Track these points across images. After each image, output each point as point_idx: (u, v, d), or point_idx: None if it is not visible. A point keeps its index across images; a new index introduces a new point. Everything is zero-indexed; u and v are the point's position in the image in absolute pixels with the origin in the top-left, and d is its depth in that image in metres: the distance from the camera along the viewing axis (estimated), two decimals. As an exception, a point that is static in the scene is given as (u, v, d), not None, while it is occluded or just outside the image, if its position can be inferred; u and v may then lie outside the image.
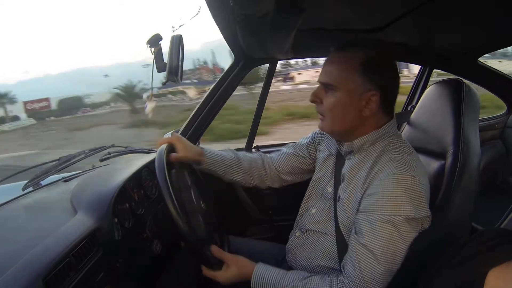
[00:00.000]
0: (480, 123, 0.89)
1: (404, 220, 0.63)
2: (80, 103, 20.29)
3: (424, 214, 0.65)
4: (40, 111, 18.63)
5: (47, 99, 19.43)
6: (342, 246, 0.73)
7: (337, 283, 0.66)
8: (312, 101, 0.76)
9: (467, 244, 0.53)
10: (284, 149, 0.99)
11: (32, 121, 17.48)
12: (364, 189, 0.69)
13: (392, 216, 0.63)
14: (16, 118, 18.46)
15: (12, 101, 19.84)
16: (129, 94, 16.90)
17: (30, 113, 18.35)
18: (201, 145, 0.94)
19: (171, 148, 0.83)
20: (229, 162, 0.92)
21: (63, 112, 18.85)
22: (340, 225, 0.74)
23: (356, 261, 0.65)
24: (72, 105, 19.77)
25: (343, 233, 0.74)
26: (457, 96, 0.82)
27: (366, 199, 0.68)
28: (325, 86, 0.73)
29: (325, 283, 0.67)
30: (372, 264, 0.64)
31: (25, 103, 18.73)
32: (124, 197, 0.86)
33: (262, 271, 0.71)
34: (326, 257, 0.76)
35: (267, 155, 1.00)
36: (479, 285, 0.44)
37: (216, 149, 0.98)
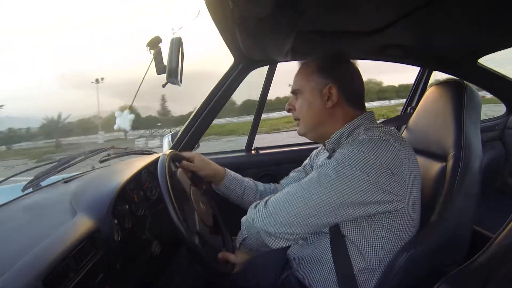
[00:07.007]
0: (479, 125, 0.88)
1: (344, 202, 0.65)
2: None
3: (368, 199, 0.64)
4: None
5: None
6: (337, 245, 0.72)
7: (257, 204, 0.76)
8: (288, 110, 0.85)
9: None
10: (292, 173, 1.06)
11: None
12: None
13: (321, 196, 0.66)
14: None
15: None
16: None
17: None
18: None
19: (175, 155, 0.84)
20: (247, 184, 1.02)
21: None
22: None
23: (278, 196, 0.72)
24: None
25: (333, 231, 0.73)
26: (458, 98, 0.82)
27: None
28: (294, 93, 0.83)
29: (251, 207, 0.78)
30: (285, 210, 0.68)
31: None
32: (124, 199, 0.86)
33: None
34: (322, 257, 0.76)
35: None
36: None
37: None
